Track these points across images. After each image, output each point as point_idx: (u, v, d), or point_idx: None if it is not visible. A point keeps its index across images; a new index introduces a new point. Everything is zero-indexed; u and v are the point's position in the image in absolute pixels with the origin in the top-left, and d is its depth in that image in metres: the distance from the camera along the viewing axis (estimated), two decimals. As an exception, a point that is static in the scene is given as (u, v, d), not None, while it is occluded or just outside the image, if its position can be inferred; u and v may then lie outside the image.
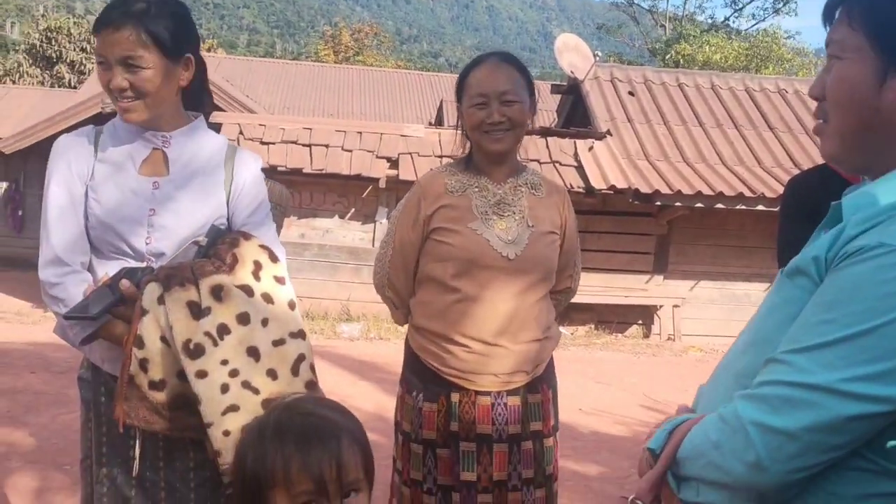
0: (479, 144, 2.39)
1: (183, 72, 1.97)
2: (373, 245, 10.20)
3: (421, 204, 2.42)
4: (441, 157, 9.84)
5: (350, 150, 9.96)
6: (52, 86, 26.12)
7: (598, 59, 12.68)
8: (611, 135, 10.87)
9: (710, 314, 10.49)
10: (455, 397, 2.33)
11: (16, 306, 10.36)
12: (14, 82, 26.94)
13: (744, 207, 9.85)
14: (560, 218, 2.47)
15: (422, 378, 2.39)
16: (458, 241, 2.34)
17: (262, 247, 1.95)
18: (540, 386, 2.41)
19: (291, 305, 1.91)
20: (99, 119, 12.50)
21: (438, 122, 18.75)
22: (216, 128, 10.02)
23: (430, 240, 2.39)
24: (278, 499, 1.32)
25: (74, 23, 31.45)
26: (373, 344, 8.53)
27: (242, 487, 1.37)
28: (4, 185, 15.03)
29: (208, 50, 40.29)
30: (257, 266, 1.90)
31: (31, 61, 28.99)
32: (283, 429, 1.36)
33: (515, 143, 2.40)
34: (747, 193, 9.77)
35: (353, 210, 10.21)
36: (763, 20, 32.31)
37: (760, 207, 9.77)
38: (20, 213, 14.84)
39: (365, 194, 10.05)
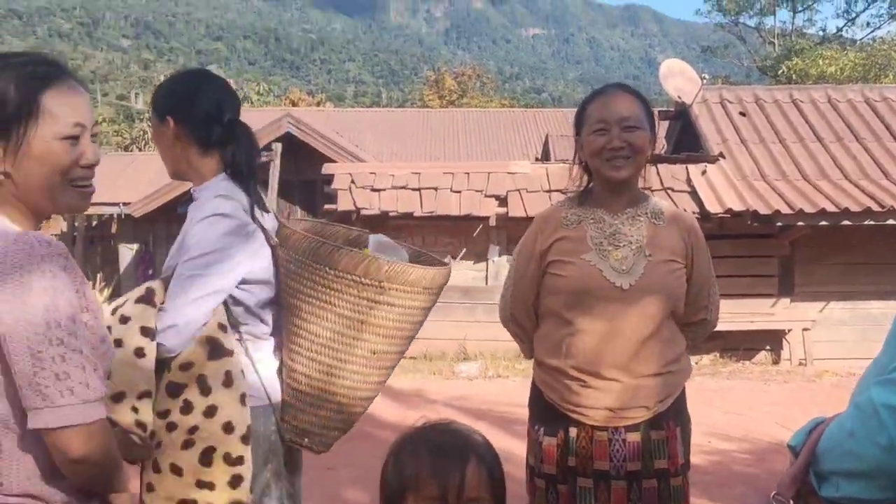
0: (599, 172, 2.36)
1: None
2: (486, 283, 10.22)
3: (538, 238, 2.42)
4: (549, 191, 9.81)
5: (459, 191, 10.06)
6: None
7: (705, 81, 12.42)
8: (724, 157, 10.58)
9: (842, 336, 9.96)
10: (573, 432, 2.30)
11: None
12: (140, 149, 28.55)
13: (872, 223, 9.37)
14: (684, 246, 2.38)
15: (543, 412, 2.38)
16: (571, 273, 2.32)
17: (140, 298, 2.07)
18: (665, 422, 2.32)
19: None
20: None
21: (545, 157, 18.72)
22: (329, 179, 10.33)
23: (546, 273, 2.39)
24: (410, 502, 1.44)
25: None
26: (491, 382, 8.50)
27: (385, 491, 1.50)
28: (136, 246, 15.90)
29: (318, 104, 41.71)
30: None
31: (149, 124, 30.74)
32: (422, 439, 1.51)
33: (636, 171, 2.36)
34: (875, 208, 9.29)
35: (464, 250, 10.27)
36: (878, 28, 31.00)
37: (891, 221, 9.27)
38: (150, 272, 15.65)
39: (475, 233, 10.11)
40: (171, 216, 15.13)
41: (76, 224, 16.92)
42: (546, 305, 2.40)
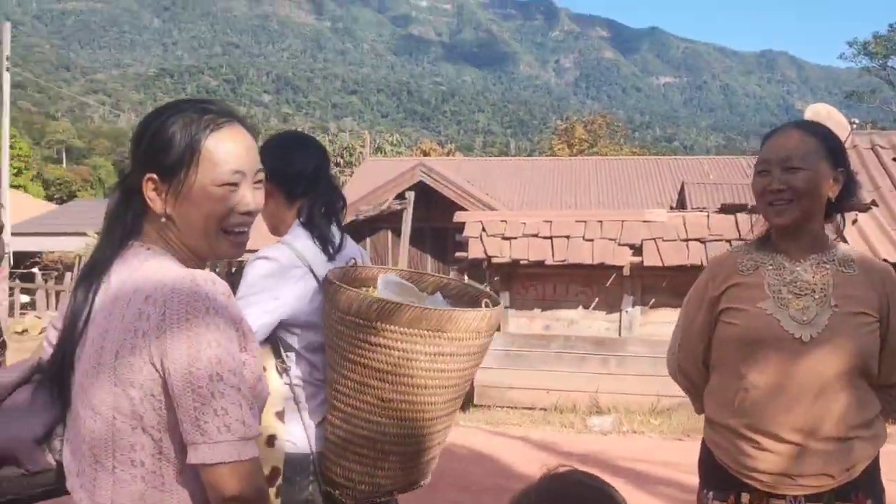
0: (764, 216, 2.21)
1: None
2: (619, 334, 9.92)
3: (709, 284, 2.26)
4: (686, 240, 9.47)
5: (591, 240, 9.86)
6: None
7: (854, 126, 11.81)
8: (876, 205, 9.96)
9: None
10: (745, 498, 2.11)
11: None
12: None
13: None
14: (878, 298, 2.13)
15: (714, 475, 2.20)
16: (745, 321, 2.13)
17: None
18: (854, 494, 2.08)
19: None
20: (351, 228, 13.37)
21: (680, 205, 18.24)
22: (460, 227, 10.36)
23: (718, 322, 2.21)
24: None
25: (329, 141, 34.29)
26: (626, 438, 8.18)
27: None
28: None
29: (448, 154, 42.39)
30: None
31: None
32: (547, 492, 1.33)
33: (803, 216, 2.14)
34: None
35: (596, 299, 10.02)
36: None
37: None
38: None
39: (609, 283, 9.86)
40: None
41: (217, 270, 17.61)
42: (717, 357, 2.23)
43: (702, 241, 9.30)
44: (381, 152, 40.71)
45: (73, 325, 1.51)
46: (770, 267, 2.18)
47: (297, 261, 2.19)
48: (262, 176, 1.58)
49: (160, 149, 1.49)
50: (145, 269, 1.47)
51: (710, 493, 2.20)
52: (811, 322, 2.08)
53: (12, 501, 1.62)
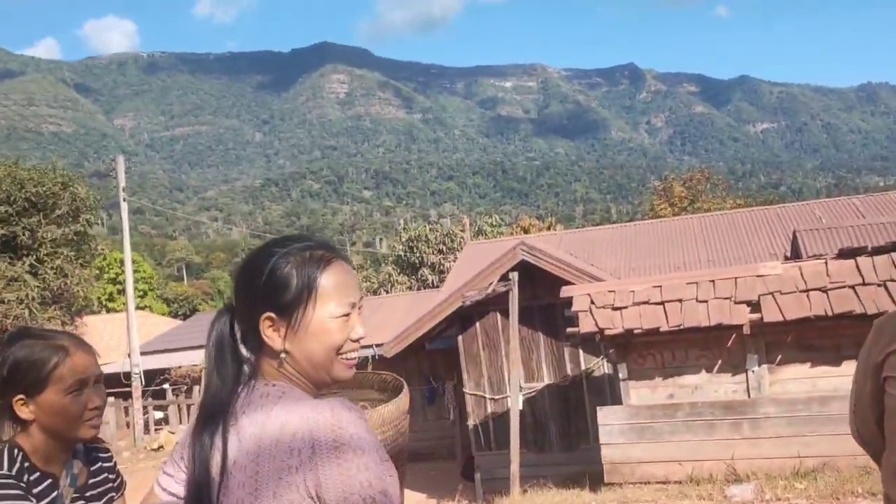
0: None
1: None
2: (748, 395, 9.50)
3: (871, 350, 2.06)
4: (806, 291, 9.07)
5: (705, 301, 9.56)
6: (417, 289, 28.82)
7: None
8: None
9: None
10: None
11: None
12: (387, 291, 30.20)
13: None
14: None
15: None
16: None
17: None
18: None
19: None
20: (460, 313, 13.46)
21: (794, 255, 17.55)
22: (568, 302, 10.24)
23: (885, 392, 2.00)
24: None
25: (430, 229, 34.92)
26: (771, 507, 7.73)
27: None
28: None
29: (548, 227, 42.34)
30: None
31: (398, 270, 32.47)
32: None
33: None
34: None
35: (719, 362, 9.66)
36: None
37: None
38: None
39: (730, 343, 9.51)
40: (419, 353, 15.69)
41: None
42: (888, 428, 2.01)
43: (823, 290, 8.88)
44: (483, 234, 41.02)
45: (205, 473, 1.55)
46: None
47: None
48: (363, 303, 1.68)
49: (277, 289, 1.56)
50: (282, 406, 1.53)
51: None
52: None
53: None
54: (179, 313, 55.54)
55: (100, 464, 2.21)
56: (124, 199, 22.73)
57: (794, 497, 7.71)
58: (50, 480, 2.00)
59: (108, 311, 40.93)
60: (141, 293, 46.77)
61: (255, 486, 1.49)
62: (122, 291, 28.29)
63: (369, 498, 1.43)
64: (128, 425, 22.68)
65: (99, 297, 39.33)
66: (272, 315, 1.56)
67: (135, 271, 28.68)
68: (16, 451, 1.96)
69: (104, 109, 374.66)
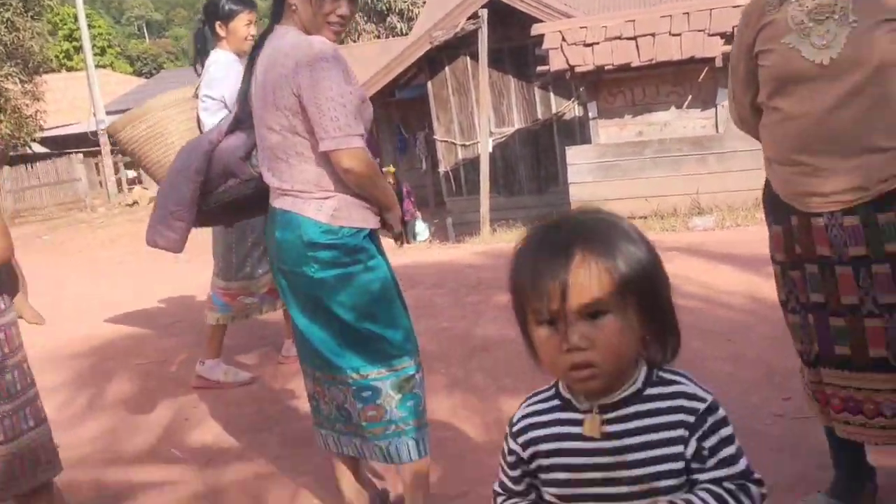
0: None
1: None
2: (717, 131, 9.50)
3: (744, 32, 2.31)
4: (783, 20, 8.80)
5: (679, 34, 9.26)
6: (386, 37, 27.87)
7: None
8: None
9: None
10: (793, 220, 2.25)
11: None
12: (354, 41, 29.18)
13: None
14: None
15: (771, 203, 2.36)
16: (773, 61, 2.20)
17: None
18: (893, 205, 2.10)
19: None
20: (429, 58, 13.04)
21: (774, -12, 16.92)
22: (539, 40, 9.89)
23: (758, 67, 2.28)
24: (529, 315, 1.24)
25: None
26: (730, 231, 7.94)
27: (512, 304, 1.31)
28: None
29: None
30: None
31: (365, 18, 31.15)
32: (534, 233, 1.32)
33: None
34: None
35: (689, 97, 9.56)
36: None
37: None
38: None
39: (701, 78, 9.35)
40: (389, 104, 15.40)
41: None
42: (760, 99, 2.31)
43: (799, 18, 8.60)
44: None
45: (247, 83, 2.58)
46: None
47: None
48: None
49: None
50: (285, 39, 2.43)
51: (771, 218, 2.36)
52: (830, 44, 2.10)
53: (235, 199, 2.75)
54: (143, 72, 53.95)
55: None
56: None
57: (752, 224, 7.91)
58: None
59: (69, 70, 39.48)
60: (99, 51, 45.02)
61: (264, 87, 2.44)
62: (80, 49, 27.15)
63: (328, 87, 2.31)
64: (101, 184, 22.68)
65: (57, 56, 37.78)
66: None
67: (90, 26, 27.33)
68: None
69: None
